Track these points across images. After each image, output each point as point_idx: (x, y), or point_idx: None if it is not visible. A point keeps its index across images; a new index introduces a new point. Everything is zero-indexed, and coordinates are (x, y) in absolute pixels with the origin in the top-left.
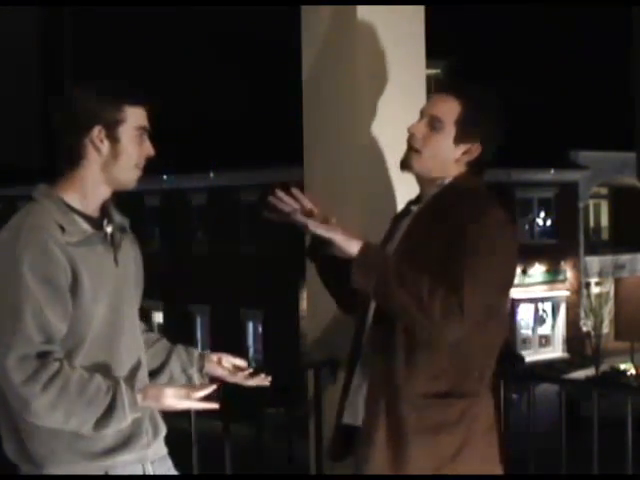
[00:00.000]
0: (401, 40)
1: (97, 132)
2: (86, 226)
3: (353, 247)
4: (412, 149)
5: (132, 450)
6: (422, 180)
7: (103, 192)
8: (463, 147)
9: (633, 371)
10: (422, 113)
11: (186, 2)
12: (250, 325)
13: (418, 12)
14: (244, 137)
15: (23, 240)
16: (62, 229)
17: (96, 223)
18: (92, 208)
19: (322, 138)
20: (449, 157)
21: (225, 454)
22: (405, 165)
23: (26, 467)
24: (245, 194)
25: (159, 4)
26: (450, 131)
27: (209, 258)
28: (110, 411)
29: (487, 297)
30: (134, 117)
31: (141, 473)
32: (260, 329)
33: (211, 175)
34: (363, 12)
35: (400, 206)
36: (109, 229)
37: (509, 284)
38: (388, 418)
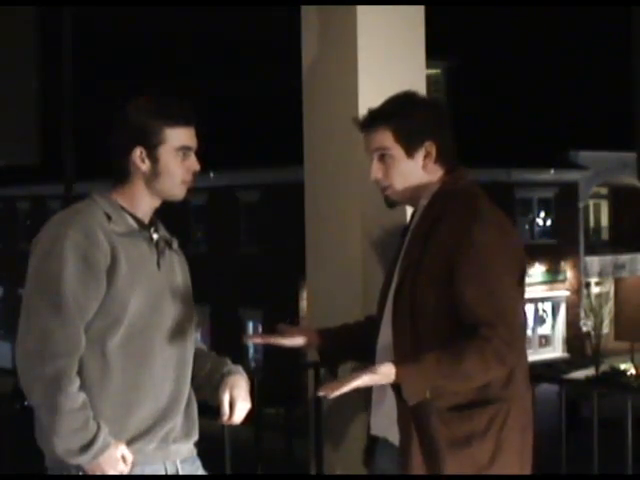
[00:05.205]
0: (401, 40)
1: (138, 153)
2: (133, 222)
3: (391, 377)
4: (385, 189)
5: (153, 440)
6: (412, 202)
7: (151, 202)
8: (419, 154)
9: (633, 371)
10: (369, 155)
11: (185, 3)
12: (250, 325)
13: (418, 12)
14: (244, 137)
15: (70, 222)
16: (109, 218)
17: (144, 226)
18: (142, 213)
19: (322, 138)
20: (415, 171)
21: (225, 454)
22: (390, 204)
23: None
24: (245, 194)
25: (157, 4)
26: (398, 151)
27: (209, 258)
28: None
29: (511, 304)
30: (174, 138)
31: (162, 469)
32: (260, 329)
33: (211, 175)
34: (363, 12)
35: (399, 207)
36: (155, 236)
37: (514, 277)
38: (420, 435)
